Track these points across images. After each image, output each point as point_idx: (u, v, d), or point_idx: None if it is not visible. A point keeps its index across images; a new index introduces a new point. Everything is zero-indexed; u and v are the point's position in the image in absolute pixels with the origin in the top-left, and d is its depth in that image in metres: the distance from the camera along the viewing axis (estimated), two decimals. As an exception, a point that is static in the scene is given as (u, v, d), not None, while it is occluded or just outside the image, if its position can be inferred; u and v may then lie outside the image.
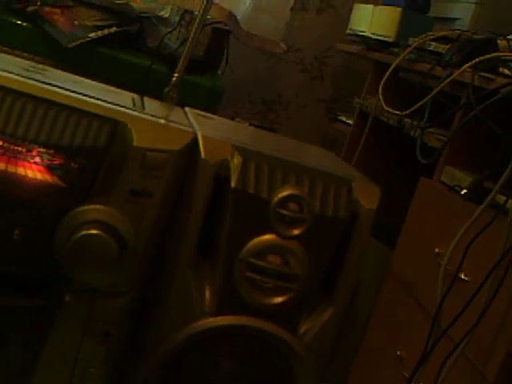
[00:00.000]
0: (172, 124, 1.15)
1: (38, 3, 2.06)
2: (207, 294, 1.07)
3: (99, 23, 2.14)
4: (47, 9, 2.06)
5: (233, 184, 1.04)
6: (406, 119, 2.03)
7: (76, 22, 2.08)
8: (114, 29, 2.16)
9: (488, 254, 1.40)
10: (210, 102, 2.03)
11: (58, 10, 2.06)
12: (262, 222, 1.05)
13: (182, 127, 1.14)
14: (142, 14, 2.25)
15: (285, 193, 1.05)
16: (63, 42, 2.04)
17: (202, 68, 2.25)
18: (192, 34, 1.58)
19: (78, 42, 2.06)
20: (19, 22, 2.08)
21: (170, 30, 2.26)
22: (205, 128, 1.18)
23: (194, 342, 1.07)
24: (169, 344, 1.08)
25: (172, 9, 2.35)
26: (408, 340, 1.66)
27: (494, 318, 1.30)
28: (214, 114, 1.72)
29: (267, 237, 1.05)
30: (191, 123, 1.18)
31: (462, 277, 1.43)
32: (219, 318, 1.07)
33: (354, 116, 2.51)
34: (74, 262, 1.04)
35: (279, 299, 1.07)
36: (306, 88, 3.10)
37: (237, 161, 1.05)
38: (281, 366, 1.11)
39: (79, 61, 2.06)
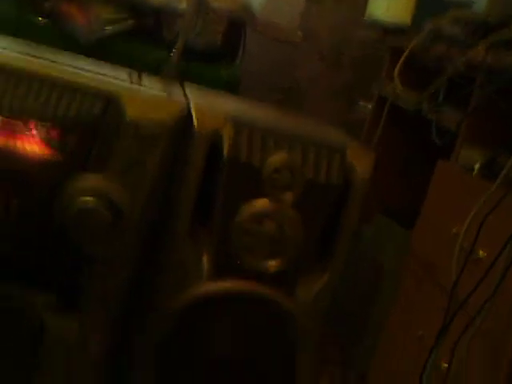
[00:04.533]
0: (165, 96, 1.17)
1: (55, 0, 2.09)
2: (204, 260, 1.09)
3: (115, 17, 2.17)
4: (64, 5, 2.09)
5: (225, 153, 1.06)
6: (423, 102, 2.04)
7: (92, 17, 2.11)
8: (130, 22, 2.19)
9: (503, 230, 1.40)
10: (228, 92, 2.05)
11: (74, 6, 2.10)
12: (256, 189, 1.07)
13: (174, 99, 1.16)
14: (158, 7, 2.27)
15: (277, 159, 1.06)
16: (80, 37, 2.07)
17: (219, 58, 2.27)
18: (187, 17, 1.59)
19: (95, 37, 2.09)
20: (36, 18, 2.12)
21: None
22: (200, 100, 1.20)
23: (191, 306, 1.09)
24: (167, 309, 1.10)
25: (188, 1, 2.37)
26: (429, 320, 1.66)
27: (509, 291, 1.31)
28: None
29: (260, 202, 1.07)
30: (187, 96, 1.19)
31: (478, 254, 1.43)
32: (216, 283, 1.09)
33: (373, 101, 2.52)
34: (72, 233, 1.07)
35: (274, 263, 1.09)
36: (324, 76, 3.10)
37: (229, 130, 1.07)
38: (278, 330, 1.13)
39: (96, 55, 2.08)
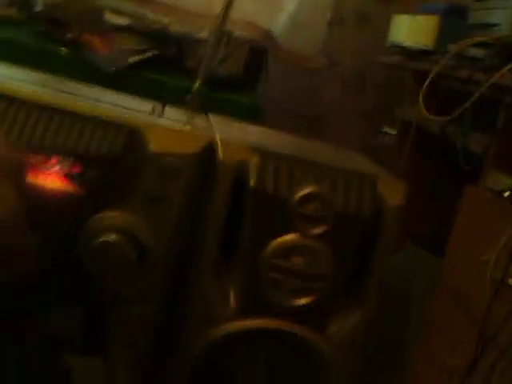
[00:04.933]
0: (189, 128, 1.16)
1: (77, 30, 2.10)
2: (230, 298, 1.06)
3: (138, 47, 2.17)
4: (86, 35, 2.10)
5: (251, 184, 1.03)
6: (449, 126, 2.01)
7: (114, 47, 2.11)
8: (153, 52, 2.19)
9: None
10: (249, 120, 2.04)
11: (96, 36, 2.11)
12: (283, 222, 1.04)
13: (198, 131, 1.14)
14: (180, 36, 2.27)
15: (305, 191, 1.04)
16: (103, 68, 2.08)
17: (241, 86, 2.26)
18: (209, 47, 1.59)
19: (117, 67, 2.09)
20: (57, 49, 2.12)
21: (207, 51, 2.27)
22: (225, 131, 1.18)
23: (217, 346, 1.07)
24: (192, 350, 1.07)
25: (210, 30, 2.37)
26: (459, 351, 1.62)
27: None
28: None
29: (289, 236, 1.04)
30: (211, 128, 1.18)
31: (509, 282, 1.39)
32: (242, 321, 1.06)
33: (397, 126, 2.50)
34: (95, 270, 1.05)
35: (304, 300, 1.05)
36: (347, 102, 3.09)
37: (255, 161, 1.05)
38: (309, 369, 1.10)
39: (119, 86, 2.08)
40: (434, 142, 2.17)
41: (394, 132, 2.60)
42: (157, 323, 1.12)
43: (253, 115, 2.19)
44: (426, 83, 2.12)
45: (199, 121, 1.26)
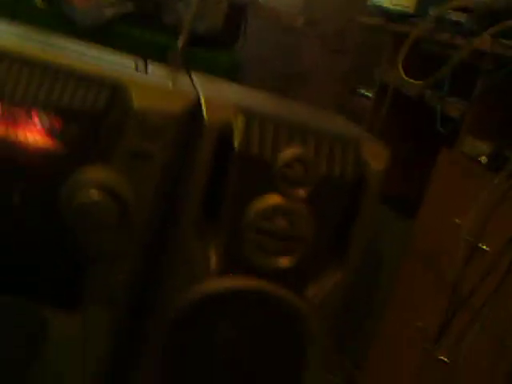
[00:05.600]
0: (173, 86, 1.15)
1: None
2: (212, 256, 1.06)
3: (115, 1, 2.13)
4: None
5: (236, 145, 1.03)
6: (427, 90, 2.02)
7: (92, 0, 2.08)
8: (129, 5, 2.15)
9: (508, 223, 1.39)
10: (227, 78, 2.03)
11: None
12: (267, 184, 1.04)
13: (183, 89, 1.13)
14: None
15: (289, 153, 1.03)
16: (79, 20, 2.04)
17: (219, 43, 2.24)
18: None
19: (95, 20, 2.06)
20: (34, 1, 2.08)
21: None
22: (208, 90, 1.17)
23: (197, 303, 1.07)
24: (171, 309, 1.08)
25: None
26: (428, 312, 1.65)
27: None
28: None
29: (272, 198, 1.04)
30: (195, 86, 1.17)
31: (482, 247, 1.42)
32: (223, 279, 1.06)
33: (375, 88, 2.50)
34: (75, 227, 1.05)
35: (285, 261, 1.06)
36: (326, 62, 3.08)
37: (240, 121, 1.04)
38: (287, 330, 1.11)
39: (95, 40, 2.05)
40: (412, 105, 2.17)
41: (370, 94, 2.60)
42: (136, 281, 1.13)
43: (231, 73, 2.17)
44: (406, 46, 2.13)
45: (182, 78, 1.24)
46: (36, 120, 1.04)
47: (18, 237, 1.09)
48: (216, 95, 1.17)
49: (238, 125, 1.05)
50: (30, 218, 1.08)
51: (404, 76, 2.12)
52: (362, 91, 2.75)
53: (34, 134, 1.04)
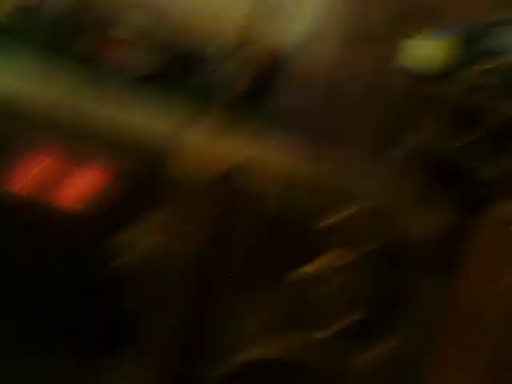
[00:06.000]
0: (211, 152, 1.14)
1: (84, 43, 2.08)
2: (252, 324, 1.04)
3: (144, 61, 2.16)
4: (93, 48, 2.08)
5: (272, 211, 1.01)
6: (459, 153, 2.00)
7: (122, 62, 2.10)
8: (159, 67, 2.17)
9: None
10: (261, 134, 2.02)
11: (102, 49, 2.09)
12: (307, 250, 1.02)
13: (219, 155, 1.12)
14: (188, 52, 2.26)
15: (329, 219, 1.02)
16: (109, 81, 2.06)
17: (252, 103, 2.24)
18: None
19: (124, 81, 2.07)
20: (66, 61, 2.10)
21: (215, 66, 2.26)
22: (244, 154, 1.16)
23: (237, 372, 1.04)
24: (212, 373, 1.05)
25: (218, 45, 2.35)
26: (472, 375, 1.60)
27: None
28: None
29: (312, 264, 1.02)
30: (231, 151, 1.16)
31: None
32: (263, 348, 1.04)
33: (405, 151, 2.47)
34: (117, 288, 1.03)
35: (326, 330, 1.03)
36: (356, 122, 3.06)
37: (276, 188, 1.03)
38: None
39: (125, 100, 2.06)
40: (441, 167, 2.15)
41: (399, 155, 2.57)
42: (176, 344, 1.10)
43: (263, 131, 2.16)
44: (437, 108, 2.11)
45: (219, 141, 1.23)
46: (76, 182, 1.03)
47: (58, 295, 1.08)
48: (251, 160, 1.16)
49: (275, 191, 1.03)
50: (72, 278, 1.06)
51: (434, 138, 2.10)
52: (391, 152, 2.73)
53: (73, 196, 1.04)
